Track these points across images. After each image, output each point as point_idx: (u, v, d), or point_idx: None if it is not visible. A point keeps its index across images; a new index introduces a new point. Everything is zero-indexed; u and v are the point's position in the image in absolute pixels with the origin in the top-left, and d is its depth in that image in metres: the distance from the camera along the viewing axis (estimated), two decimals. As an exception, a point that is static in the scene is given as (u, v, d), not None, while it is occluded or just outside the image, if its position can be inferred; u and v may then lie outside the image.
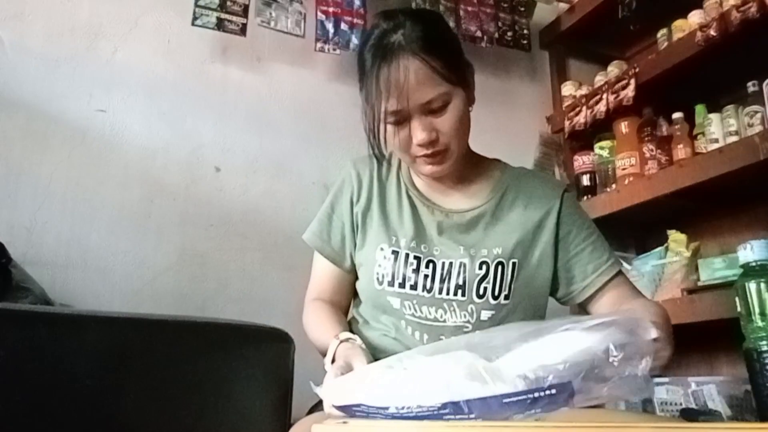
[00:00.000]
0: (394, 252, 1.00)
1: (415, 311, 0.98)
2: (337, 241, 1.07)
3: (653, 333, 0.59)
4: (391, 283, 0.99)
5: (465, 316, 0.97)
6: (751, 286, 0.64)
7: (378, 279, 1.00)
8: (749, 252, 0.66)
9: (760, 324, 0.63)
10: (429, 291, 0.98)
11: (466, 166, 1.06)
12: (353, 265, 1.07)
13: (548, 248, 1.03)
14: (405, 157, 1.00)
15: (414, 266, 0.99)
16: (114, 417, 0.80)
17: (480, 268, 0.98)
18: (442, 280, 0.98)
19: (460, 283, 0.97)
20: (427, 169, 0.98)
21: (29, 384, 0.74)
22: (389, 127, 0.95)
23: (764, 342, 0.62)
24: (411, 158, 0.98)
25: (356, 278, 1.08)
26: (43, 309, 1.08)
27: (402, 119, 0.94)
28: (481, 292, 0.97)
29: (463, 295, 0.97)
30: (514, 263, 1.00)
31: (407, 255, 0.99)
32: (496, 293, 0.98)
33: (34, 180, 1.45)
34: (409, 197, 1.06)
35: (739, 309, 0.66)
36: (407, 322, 0.98)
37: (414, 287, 0.98)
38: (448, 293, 0.97)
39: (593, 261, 1.03)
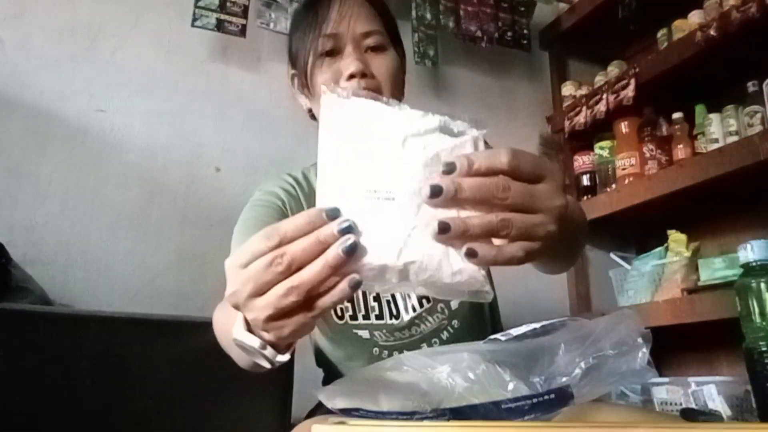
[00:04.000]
0: None
1: (388, 338, 0.93)
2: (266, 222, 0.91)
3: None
4: (354, 317, 0.92)
5: (438, 317, 0.94)
6: (751, 286, 0.64)
7: (338, 315, 0.93)
8: (749, 252, 0.66)
9: (760, 324, 0.63)
10: (396, 317, 0.92)
11: None
12: None
13: None
14: None
15: (374, 294, 0.92)
16: (114, 417, 0.80)
17: None
18: (404, 298, 0.92)
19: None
20: None
21: (29, 384, 0.75)
22: (319, 62, 0.90)
23: (764, 342, 0.62)
24: None
25: None
26: (43, 309, 1.08)
27: (336, 50, 0.89)
28: None
29: (428, 301, 0.93)
30: None
31: None
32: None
33: (34, 180, 1.45)
34: None
35: (739, 309, 0.66)
36: (381, 348, 0.93)
37: (380, 316, 0.92)
38: (414, 309, 0.92)
39: None
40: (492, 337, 0.66)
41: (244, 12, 1.68)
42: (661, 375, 1.68)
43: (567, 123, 2.03)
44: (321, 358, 1.01)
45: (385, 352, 0.93)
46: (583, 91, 2.05)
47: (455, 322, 0.95)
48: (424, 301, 0.92)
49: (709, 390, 1.46)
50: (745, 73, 1.64)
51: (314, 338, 1.02)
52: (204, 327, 0.99)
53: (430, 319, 0.93)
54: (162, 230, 1.56)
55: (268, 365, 0.55)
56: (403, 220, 0.48)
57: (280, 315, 0.48)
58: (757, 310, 0.63)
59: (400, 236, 0.48)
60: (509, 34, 2.03)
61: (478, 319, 0.98)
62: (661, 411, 1.52)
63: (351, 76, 0.86)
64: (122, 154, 1.55)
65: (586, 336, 0.57)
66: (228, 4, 1.65)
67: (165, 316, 0.96)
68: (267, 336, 0.52)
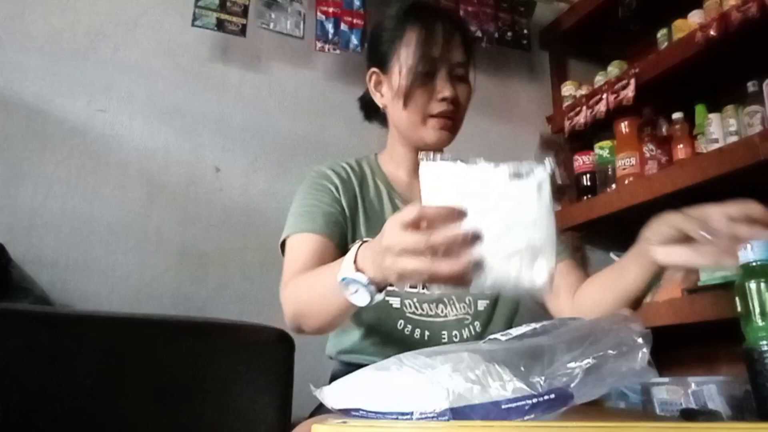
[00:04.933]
0: None
1: (416, 309, 0.99)
2: (324, 213, 0.99)
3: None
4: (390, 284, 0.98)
5: (464, 308, 1.00)
6: (751, 286, 0.64)
7: None
8: (749, 252, 0.66)
9: (760, 324, 0.63)
10: (428, 288, 0.99)
11: None
12: (345, 242, 0.99)
13: None
14: (415, 117, 1.02)
15: None
16: (114, 417, 0.80)
17: None
18: None
19: None
20: (435, 135, 1.02)
21: (29, 384, 0.75)
22: (415, 79, 1.00)
23: (764, 342, 0.62)
24: (423, 117, 1.01)
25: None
26: (43, 309, 1.08)
27: (432, 72, 1.00)
28: None
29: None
30: None
31: None
32: (468, 300, 1.01)
33: (34, 180, 1.45)
34: (390, 198, 1.07)
35: (739, 309, 0.66)
36: (407, 321, 0.98)
37: (413, 285, 0.99)
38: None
39: None
40: (492, 336, 0.67)
41: (245, 12, 1.68)
42: (661, 375, 1.68)
43: (567, 123, 2.03)
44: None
45: (409, 326, 0.98)
46: (583, 91, 2.05)
47: (477, 324, 1.01)
48: None
49: (709, 390, 1.46)
50: (745, 73, 1.64)
51: None
52: (204, 327, 0.99)
53: (456, 305, 1.00)
54: (162, 230, 1.56)
55: (365, 301, 0.71)
56: (489, 248, 0.62)
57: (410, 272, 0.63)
58: (757, 310, 0.63)
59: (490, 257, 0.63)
60: (509, 34, 2.03)
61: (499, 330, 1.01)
62: (662, 414, 1.53)
63: (443, 99, 1.00)
64: (122, 154, 1.56)
65: (586, 336, 0.57)
66: (228, 3, 1.65)
67: (165, 316, 0.96)
68: (385, 275, 0.67)
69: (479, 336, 1.00)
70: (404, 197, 1.07)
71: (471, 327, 1.01)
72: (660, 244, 0.81)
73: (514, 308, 1.07)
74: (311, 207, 1.01)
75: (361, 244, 0.74)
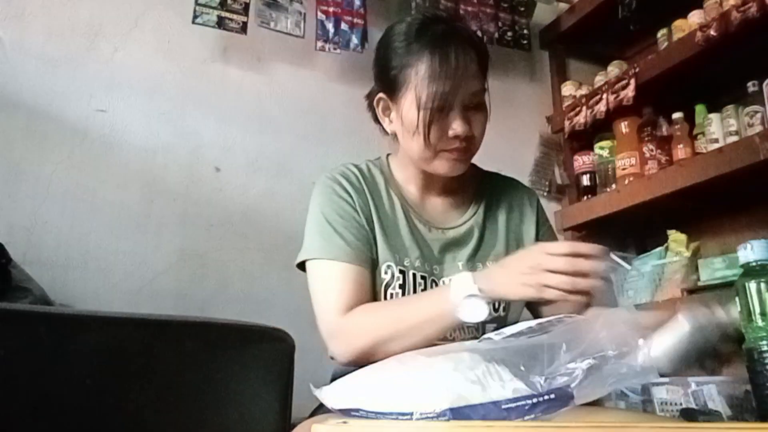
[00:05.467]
0: (401, 271, 0.97)
1: None
2: (354, 239, 0.96)
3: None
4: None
5: (472, 332, 0.97)
6: (751, 286, 0.64)
7: (389, 298, 0.97)
8: (749, 252, 0.66)
9: (761, 324, 0.63)
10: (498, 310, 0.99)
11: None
12: (375, 261, 0.98)
13: None
14: (427, 152, 0.95)
15: (422, 286, 0.97)
16: (114, 417, 0.80)
17: None
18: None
19: None
20: (447, 166, 0.96)
21: (29, 384, 0.74)
22: (428, 115, 0.92)
23: (764, 342, 0.62)
24: (435, 152, 0.95)
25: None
26: (43, 309, 1.08)
27: (445, 107, 0.92)
28: None
29: (495, 311, 0.98)
30: None
31: (414, 275, 0.97)
32: (496, 305, 0.99)
33: (34, 180, 1.45)
34: (405, 212, 1.02)
35: (739, 309, 0.66)
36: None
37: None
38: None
39: None
40: (486, 336, 0.67)
41: (245, 9, 1.67)
42: (661, 375, 1.68)
43: (567, 123, 2.03)
44: None
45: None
46: (583, 91, 2.05)
47: None
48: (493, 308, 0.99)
49: (709, 390, 1.46)
50: (745, 73, 1.64)
51: None
52: (204, 327, 0.98)
53: (465, 330, 0.98)
54: (162, 230, 1.56)
55: (482, 317, 0.82)
56: None
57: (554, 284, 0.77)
58: (757, 310, 0.63)
59: None
60: (509, 34, 2.03)
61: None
62: (662, 415, 1.52)
63: (456, 137, 0.93)
64: (122, 154, 1.55)
65: (586, 335, 0.57)
66: (229, 1, 1.65)
67: (165, 316, 0.96)
68: (519, 291, 0.81)
69: None
70: (418, 213, 1.03)
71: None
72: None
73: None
74: (338, 227, 0.96)
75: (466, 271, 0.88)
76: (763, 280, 0.63)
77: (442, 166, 0.97)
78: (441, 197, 1.06)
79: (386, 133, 1.05)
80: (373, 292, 0.96)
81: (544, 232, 1.09)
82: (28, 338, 0.75)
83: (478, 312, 0.82)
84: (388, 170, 1.07)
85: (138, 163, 1.57)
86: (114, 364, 0.80)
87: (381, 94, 1.00)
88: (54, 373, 0.75)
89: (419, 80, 0.91)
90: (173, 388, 0.86)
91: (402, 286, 0.96)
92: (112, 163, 1.54)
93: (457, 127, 0.92)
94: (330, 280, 0.94)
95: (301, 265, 1.01)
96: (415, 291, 0.96)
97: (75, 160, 1.50)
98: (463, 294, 0.82)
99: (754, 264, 0.65)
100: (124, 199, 1.53)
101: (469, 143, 0.95)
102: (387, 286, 0.96)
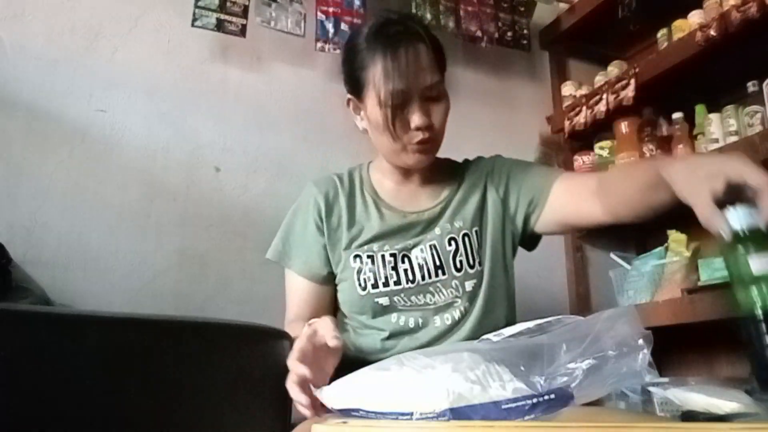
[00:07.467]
0: (369, 256, 1.05)
1: (406, 302, 1.05)
2: (305, 253, 1.11)
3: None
4: (375, 285, 1.05)
5: (452, 292, 1.05)
6: (740, 252, 0.64)
7: (361, 285, 1.05)
8: (736, 219, 0.66)
9: (755, 292, 0.63)
10: (413, 281, 1.05)
11: (432, 167, 1.12)
12: (330, 275, 1.11)
13: (498, 206, 1.10)
14: (395, 146, 1.03)
15: (392, 264, 1.05)
16: (114, 417, 0.80)
17: (450, 244, 1.06)
18: (420, 268, 1.05)
19: (438, 263, 1.05)
20: (414, 158, 1.04)
21: (29, 384, 0.74)
22: (388, 112, 0.99)
23: (760, 312, 0.62)
24: (401, 146, 1.03)
25: (335, 290, 1.12)
26: (43, 309, 1.08)
27: (404, 102, 0.99)
28: (458, 265, 1.05)
29: (443, 273, 1.05)
30: (476, 231, 1.08)
31: (383, 256, 1.05)
32: (471, 262, 1.06)
33: (34, 180, 1.45)
34: (377, 206, 1.11)
35: (730, 279, 0.66)
36: (399, 313, 1.04)
37: (398, 282, 1.04)
38: (430, 276, 1.05)
39: (539, 176, 1.10)
40: (484, 337, 0.67)
41: (244, 12, 1.67)
42: (661, 375, 1.68)
43: (567, 123, 2.03)
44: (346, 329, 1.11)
45: (402, 317, 1.05)
46: (583, 91, 2.05)
47: (468, 305, 1.06)
48: (439, 272, 1.05)
49: (709, 390, 1.45)
50: (745, 73, 1.64)
51: (339, 316, 1.13)
52: (204, 327, 0.98)
53: (444, 291, 1.05)
54: (162, 230, 1.56)
55: None
56: None
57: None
58: (749, 277, 0.63)
59: None
60: (509, 34, 2.03)
61: (492, 307, 1.07)
62: (662, 415, 1.53)
63: (417, 128, 1.00)
64: (122, 154, 1.55)
65: (586, 335, 0.57)
66: (228, 4, 1.65)
67: (165, 316, 0.96)
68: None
69: (473, 317, 1.05)
70: (389, 204, 1.12)
71: (461, 308, 1.05)
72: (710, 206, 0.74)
73: (504, 284, 1.11)
74: (292, 233, 1.13)
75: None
76: (752, 245, 0.64)
77: (410, 159, 1.05)
78: (420, 187, 1.14)
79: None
80: (323, 304, 1.11)
81: (505, 176, 1.12)
82: (28, 338, 0.75)
83: None
84: (366, 173, 1.17)
85: (138, 163, 1.57)
86: (114, 364, 0.80)
87: (349, 95, 1.09)
88: (54, 373, 0.75)
89: (377, 80, 0.99)
90: (173, 388, 0.86)
91: (372, 270, 1.05)
92: (112, 163, 1.54)
93: (417, 119, 0.99)
94: (287, 287, 1.13)
95: None
96: (385, 270, 1.04)
97: (75, 160, 1.50)
98: None
99: (740, 231, 0.66)
100: (124, 199, 1.53)
101: (432, 133, 1.02)
102: (359, 272, 1.05)
